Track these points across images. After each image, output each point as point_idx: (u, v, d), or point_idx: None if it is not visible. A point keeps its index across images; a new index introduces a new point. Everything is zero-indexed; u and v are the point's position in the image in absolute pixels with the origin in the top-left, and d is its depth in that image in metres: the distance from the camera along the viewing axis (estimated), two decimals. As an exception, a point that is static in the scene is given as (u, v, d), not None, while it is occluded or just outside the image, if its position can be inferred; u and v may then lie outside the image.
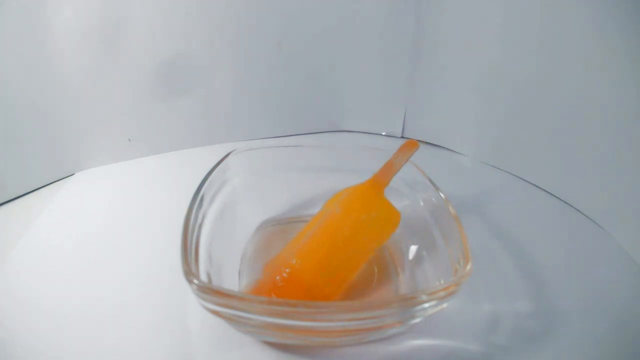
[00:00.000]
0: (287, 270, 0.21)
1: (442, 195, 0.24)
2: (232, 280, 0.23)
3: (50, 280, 0.24)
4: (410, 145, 0.27)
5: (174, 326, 0.21)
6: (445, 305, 0.19)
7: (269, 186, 0.29)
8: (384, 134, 0.46)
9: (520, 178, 0.37)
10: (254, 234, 0.28)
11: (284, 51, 0.40)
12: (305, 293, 0.21)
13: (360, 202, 0.25)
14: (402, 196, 0.29)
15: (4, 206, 0.31)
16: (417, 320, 0.20)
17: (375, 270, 0.25)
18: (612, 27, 0.28)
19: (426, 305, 0.18)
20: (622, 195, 0.29)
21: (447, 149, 0.43)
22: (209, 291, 0.17)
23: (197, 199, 0.23)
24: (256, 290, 0.22)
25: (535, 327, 0.22)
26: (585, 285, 0.25)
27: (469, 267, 0.19)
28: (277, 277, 0.21)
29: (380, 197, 0.25)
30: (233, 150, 0.28)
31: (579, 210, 0.32)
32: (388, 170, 0.26)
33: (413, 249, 0.26)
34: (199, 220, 0.22)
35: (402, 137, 0.45)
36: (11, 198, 0.32)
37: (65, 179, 0.35)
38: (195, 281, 0.17)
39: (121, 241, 0.28)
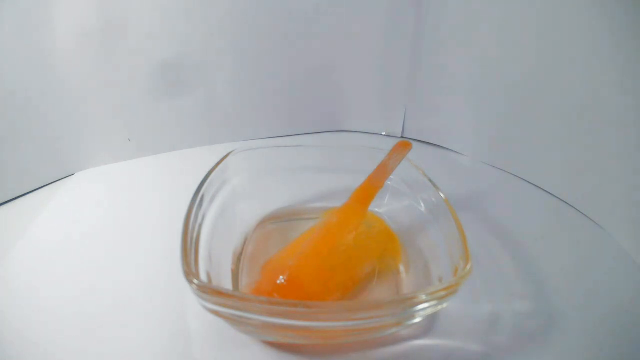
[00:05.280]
0: (285, 275, 0.21)
1: (442, 195, 0.24)
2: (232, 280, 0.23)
3: (50, 280, 0.24)
4: (403, 145, 0.27)
5: (174, 326, 0.21)
6: (445, 305, 0.19)
7: (269, 186, 0.29)
8: (384, 134, 0.46)
9: (520, 178, 0.37)
10: (254, 233, 0.28)
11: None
12: (303, 297, 0.21)
13: (355, 208, 0.25)
14: (402, 196, 0.29)
15: (4, 206, 0.31)
16: (417, 320, 0.20)
17: (376, 270, 0.25)
18: (612, 27, 0.28)
19: (426, 305, 0.18)
20: (622, 195, 0.29)
21: (447, 149, 0.43)
22: (209, 291, 0.17)
23: (197, 199, 0.23)
24: (254, 291, 0.22)
25: (535, 327, 0.22)
26: (585, 285, 0.25)
27: (469, 267, 0.19)
28: (278, 281, 0.21)
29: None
30: (233, 150, 0.28)
31: (579, 210, 0.32)
32: (382, 172, 0.26)
33: (413, 248, 0.26)
34: (199, 220, 0.22)
35: (402, 137, 0.45)
36: (11, 198, 0.32)
37: (65, 179, 0.35)
38: (195, 281, 0.17)
39: (121, 241, 0.28)
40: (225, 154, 0.27)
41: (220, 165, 0.26)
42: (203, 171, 0.25)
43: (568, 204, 0.33)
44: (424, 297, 0.17)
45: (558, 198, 0.34)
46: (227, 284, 0.22)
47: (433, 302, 0.18)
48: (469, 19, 0.36)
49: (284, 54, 0.40)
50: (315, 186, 0.31)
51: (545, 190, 0.35)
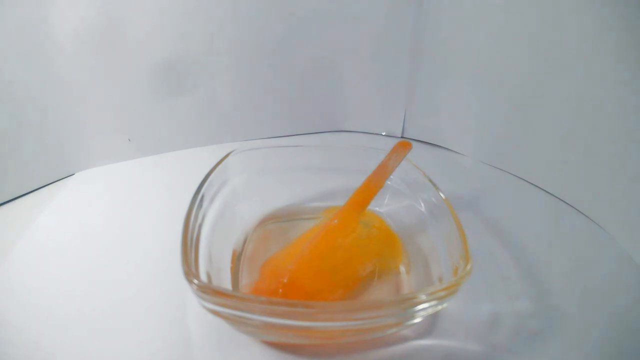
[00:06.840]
0: (284, 277, 0.21)
1: (442, 195, 0.24)
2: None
3: (50, 280, 0.24)
4: (403, 146, 0.27)
5: (174, 326, 0.21)
6: (445, 305, 0.19)
7: (269, 186, 0.29)
8: (384, 134, 0.46)
9: (520, 178, 0.37)
10: (254, 233, 0.28)
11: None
12: (303, 297, 0.21)
13: (355, 209, 0.25)
14: (402, 196, 0.29)
15: (4, 206, 0.31)
16: (417, 320, 0.20)
17: (376, 269, 0.25)
18: (612, 27, 0.28)
19: (426, 305, 0.18)
20: (622, 195, 0.29)
21: (447, 149, 0.43)
22: (209, 291, 0.17)
23: (197, 199, 0.23)
24: (254, 291, 0.22)
25: (535, 327, 0.22)
26: (585, 285, 0.25)
27: (469, 267, 0.19)
28: (278, 282, 0.21)
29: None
30: (233, 150, 0.28)
31: (579, 210, 0.32)
32: (382, 172, 0.26)
33: (413, 248, 0.26)
34: (199, 220, 0.22)
35: (402, 137, 0.45)
36: (11, 198, 0.32)
37: (65, 179, 0.35)
38: (195, 281, 0.17)
39: (121, 241, 0.28)
40: (225, 154, 0.27)
41: (220, 165, 0.26)
42: (203, 171, 0.25)
43: (568, 204, 0.33)
44: (424, 297, 0.17)
45: (558, 198, 0.34)
46: (227, 284, 0.22)
47: (433, 302, 0.18)
48: (469, 19, 0.36)
49: (284, 54, 0.40)
50: (315, 186, 0.31)
51: (545, 190, 0.35)
